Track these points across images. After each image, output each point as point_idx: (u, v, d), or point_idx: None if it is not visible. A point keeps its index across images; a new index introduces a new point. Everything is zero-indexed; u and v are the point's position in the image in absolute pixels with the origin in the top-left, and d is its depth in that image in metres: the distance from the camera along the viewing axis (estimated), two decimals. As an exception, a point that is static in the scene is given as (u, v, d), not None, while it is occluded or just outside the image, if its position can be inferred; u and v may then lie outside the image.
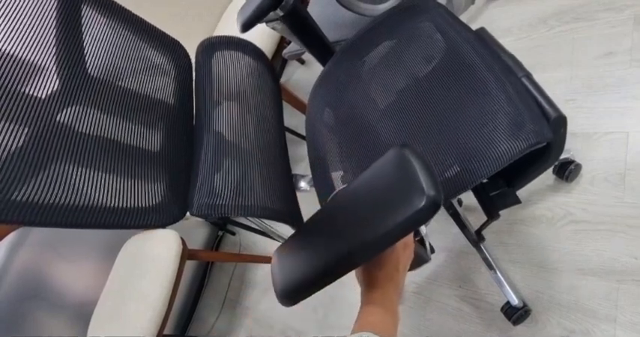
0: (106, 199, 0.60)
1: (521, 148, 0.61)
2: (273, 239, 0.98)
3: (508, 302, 1.00)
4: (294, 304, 0.53)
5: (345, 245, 0.48)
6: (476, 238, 1.12)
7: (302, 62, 2.08)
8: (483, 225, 0.95)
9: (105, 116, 0.69)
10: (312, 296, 1.66)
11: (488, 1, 1.48)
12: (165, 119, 0.80)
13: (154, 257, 1.40)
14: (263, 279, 1.74)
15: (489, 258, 1.08)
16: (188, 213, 0.70)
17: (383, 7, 1.29)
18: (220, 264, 1.99)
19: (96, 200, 0.59)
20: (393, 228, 0.44)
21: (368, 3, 1.32)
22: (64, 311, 1.64)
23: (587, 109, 1.09)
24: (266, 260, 1.61)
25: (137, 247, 1.32)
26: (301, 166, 1.57)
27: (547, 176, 1.08)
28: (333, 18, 1.48)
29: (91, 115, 0.66)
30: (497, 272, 1.05)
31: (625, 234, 0.93)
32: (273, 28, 0.93)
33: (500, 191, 0.81)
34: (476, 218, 1.18)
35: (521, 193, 0.79)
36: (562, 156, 1.04)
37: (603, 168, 1.01)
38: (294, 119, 1.93)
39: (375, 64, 0.94)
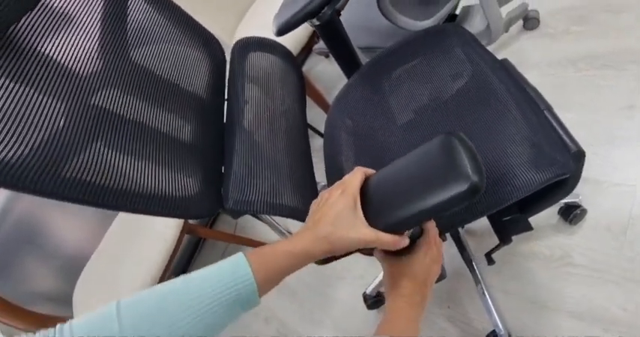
0: (146, 185, 0.57)
1: (545, 179, 0.60)
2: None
3: (494, 331, 1.00)
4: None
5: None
6: (471, 259, 1.11)
7: (327, 56, 2.04)
8: (495, 249, 0.94)
9: (140, 102, 0.65)
10: (302, 290, 1.68)
11: (522, 31, 1.44)
12: (198, 112, 0.77)
13: (155, 225, 1.38)
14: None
15: (483, 284, 1.07)
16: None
17: (422, 24, 1.25)
18: (213, 242, 1.98)
19: (136, 185, 0.56)
20: (433, 205, 0.46)
21: (409, 18, 1.28)
22: (55, 261, 1.63)
23: (602, 157, 1.08)
24: (261, 245, 1.58)
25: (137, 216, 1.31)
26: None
27: (552, 215, 1.07)
28: (366, 23, 1.44)
29: (127, 100, 0.63)
30: (489, 300, 1.05)
31: (618, 285, 0.92)
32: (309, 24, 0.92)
33: (513, 216, 0.79)
34: (475, 242, 1.18)
35: None
36: (570, 200, 1.04)
37: (608, 217, 1.01)
38: (310, 111, 1.90)
39: (400, 82, 0.92)
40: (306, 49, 1.45)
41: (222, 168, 0.73)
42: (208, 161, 0.70)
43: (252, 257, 0.48)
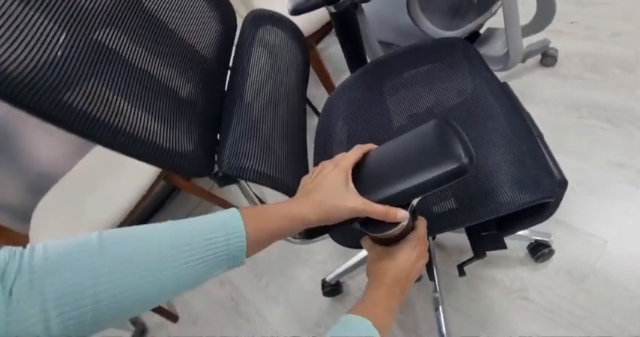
0: (144, 132, 0.54)
1: (529, 200, 0.61)
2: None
3: (439, 345, 1.02)
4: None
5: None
6: (432, 273, 1.12)
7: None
8: (468, 261, 0.93)
9: (145, 50, 0.61)
10: (264, 263, 1.65)
11: (537, 65, 1.43)
12: (200, 74, 0.72)
13: (134, 165, 1.33)
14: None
15: (440, 298, 1.08)
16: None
17: (445, 34, 1.22)
18: (186, 196, 1.93)
19: (134, 128, 0.53)
20: (424, 181, 0.48)
21: (435, 25, 1.24)
22: (25, 175, 1.57)
23: (581, 204, 1.09)
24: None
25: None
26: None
27: (521, 248, 1.09)
28: (387, 18, 1.39)
29: (131, 43, 0.58)
30: (441, 314, 1.06)
31: (566, 329, 0.95)
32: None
33: (490, 233, 0.79)
34: (442, 257, 1.18)
35: (492, 255, 0.78)
36: (542, 238, 1.05)
37: (572, 263, 1.03)
38: (312, 89, 1.86)
39: (402, 86, 0.92)
40: (326, 29, 1.40)
41: (218, 135, 0.70)
42: (205, 124, 0.67)
43: (246, 214, 0.46)
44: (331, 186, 0.51)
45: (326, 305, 1.26)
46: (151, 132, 0.54)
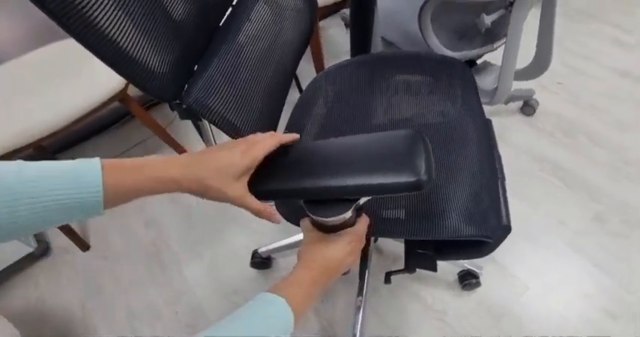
0: (123, 35, 0.46)
1: (472, 233, 0.61)
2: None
3: (349, 343, 0.98)
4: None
5: (328, 178, 0.47)
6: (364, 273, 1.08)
7: (347, 26, 1.87)
8: (397, 272, 0.90)
9: None
10: (199, 216, 1.51)
11: (517, 111, 1.44)
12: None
13: (92, 75, 1.15)
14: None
15: (363, 298, 1.05)
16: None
17: (446, 52, 1.17)
18: (138, 126, 1.73)
19: (114, 29, 0.44)
20: (374, 184, 0.45)
21: (439, 40, 1.19)
22: None
23: (517, 249, 1.11)
24: (183, 152, 1.41)
25: (82, 53, 1.08)
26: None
27: (451, 272, 1.08)
28: (397, 19, 1.32)
29: None
30: (360, 313, 1.03)
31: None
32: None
33: (426, 252, 0.77)
34: (378, 260, 1.14)
35: (423, 271, 0.75)
36: (473, 268, 1.04)
37: (494, 300, 1.04)
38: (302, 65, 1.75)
39: (393, 88, 0.88)
40: (333, 8, 1.31)
41: (196, 67, 0.61)
42: (187, 51, 0.56)
43: (109, 169, 0.41)
44: (222, 169, 0.47)
45: (250, 275, 1.18)
46: (130, 40, 0.46)
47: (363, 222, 0.55)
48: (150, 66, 0.48)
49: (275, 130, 0.76)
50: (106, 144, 1.71)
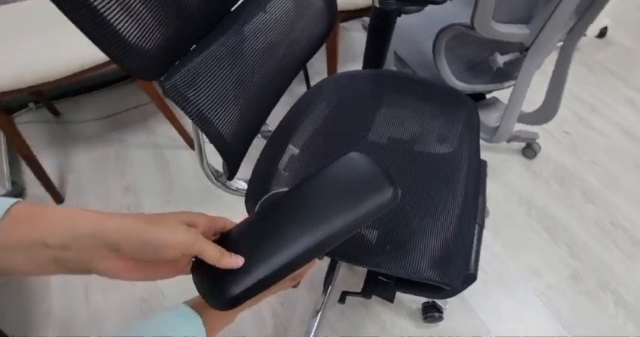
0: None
1: (431, 278, 0.58)
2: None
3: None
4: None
5: (315, 233, 0.39)
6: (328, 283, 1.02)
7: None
8: (353, 293, 0.88)
9: None
10: (178, 191, 1.43)
11: (517, 151, 1.37)
12: None
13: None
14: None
15: (322, 310, 0.98)
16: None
17: (455, 83, 1.10)
18: (138, 89, 1.64)
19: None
20: (363, 214, 0.40)
21: (450, 69, 1.11)
22: None
23: (488, 291, 1.05)
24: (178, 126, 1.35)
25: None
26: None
27: (416, 301, 1.02)
28: (414, 37, 1.25)
29: None
30: (315, 324, 0.97)
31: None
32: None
33: (387, 281, 0.75)
34: (345, 276, 1.08)
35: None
36: (441, 303, 0.98)
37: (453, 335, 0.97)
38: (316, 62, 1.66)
39: (397, 108, 0.83)
40: (356, 14, 1.23)
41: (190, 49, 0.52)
42: (182, 32, 0.48)
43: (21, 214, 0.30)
44: (163, 220, 0.35)
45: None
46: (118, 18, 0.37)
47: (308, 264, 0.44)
48: (134, 41, 0.40)
49: (258, 131, 0.69)
50: (104, 101, 1.62)
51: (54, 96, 1.59)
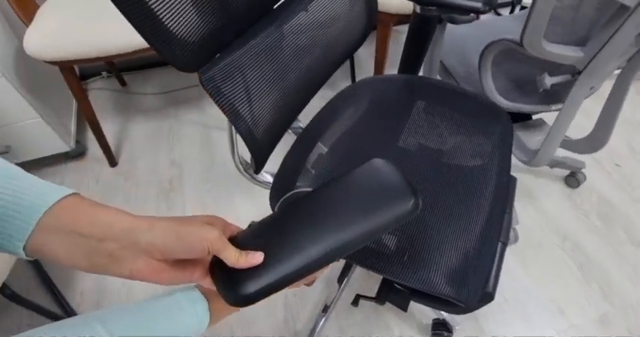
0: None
1: (445, 293, 0.56)
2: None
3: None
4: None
5: (336, 237, 0.38)
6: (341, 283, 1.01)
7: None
8: (368, 298, 0.85)
9: None
10: (217, 172, 1.47)
11: (559, 178, 1.28)
12: None
13: None
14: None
15: (331, 309, 0.98)
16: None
17: (500, 101, 1.02)
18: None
19: None
20: (383, 222, 0.39)
21: (496, 86, 1.03)
22: None
23: (504, 319, 0.99)
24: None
25: None
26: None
27: (427, 316, 0.99)
28: (462, 47, 1.18)
29: None
30: (322, 319, 0.97)
31: None
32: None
33: (403, 289, 0.71)
34: (360, 278, 1.05)
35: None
36: (452, 323, 0.94)
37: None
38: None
39: (429, 116, 0.80)
40: (406, 18, 1.18)
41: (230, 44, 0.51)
42: (226, 26, 0.47)
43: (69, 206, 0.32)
44: (190, 220, 0.36)
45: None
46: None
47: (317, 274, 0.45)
48: (180, 34, 0.40)
49: (287, 129, 0.68)
50: (167, 77, 1.68)
51: (124, 67, 1.68)
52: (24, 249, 0.30)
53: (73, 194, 0.33)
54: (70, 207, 0.31)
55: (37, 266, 1.09)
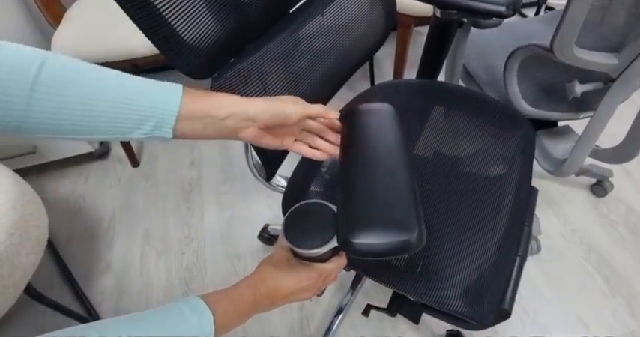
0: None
1: (458, 311, 0.53)
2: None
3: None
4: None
5: None
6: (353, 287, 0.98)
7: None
8: (379, 308, 0.83)
9: None
10: (235, 172, 1.44)
11: (586, 187, 1.21)
12: None
13: None
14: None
15: (344, 312, 0.95)
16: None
17: (524, 108, 0.97)
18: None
19: None
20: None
21: (521, 94, 0.98)
22: None
23: (523, 332, 0.94)
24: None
25: None
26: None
27: (440, 327, 0.95)
28: (486, 52, 1.12)
29: None
30: (336, 322, 0.94)
31: None
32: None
33: (415, 302, 0.68)
34: (374, 285, 1.03)
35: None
36: (463, 333, 0.90)
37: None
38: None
39: (446, 122, 0.78)
40: (426, 20, 1.15)
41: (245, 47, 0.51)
42: (238, 32, 0.46)
43: (191, 96, 0.39)
44: (282, 98, 0.45)
45: (255, 246, 1.13)
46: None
47: (338, 262, 0.47)
48: (189, 40, 0.40)
49: None
50: (188, 78, 1.68)
51: (148, 69, 1.69)
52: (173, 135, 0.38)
53: (185, 86, 0.39)
54: (195, 96, 0.39)
55: (60, 265, 1.11)
